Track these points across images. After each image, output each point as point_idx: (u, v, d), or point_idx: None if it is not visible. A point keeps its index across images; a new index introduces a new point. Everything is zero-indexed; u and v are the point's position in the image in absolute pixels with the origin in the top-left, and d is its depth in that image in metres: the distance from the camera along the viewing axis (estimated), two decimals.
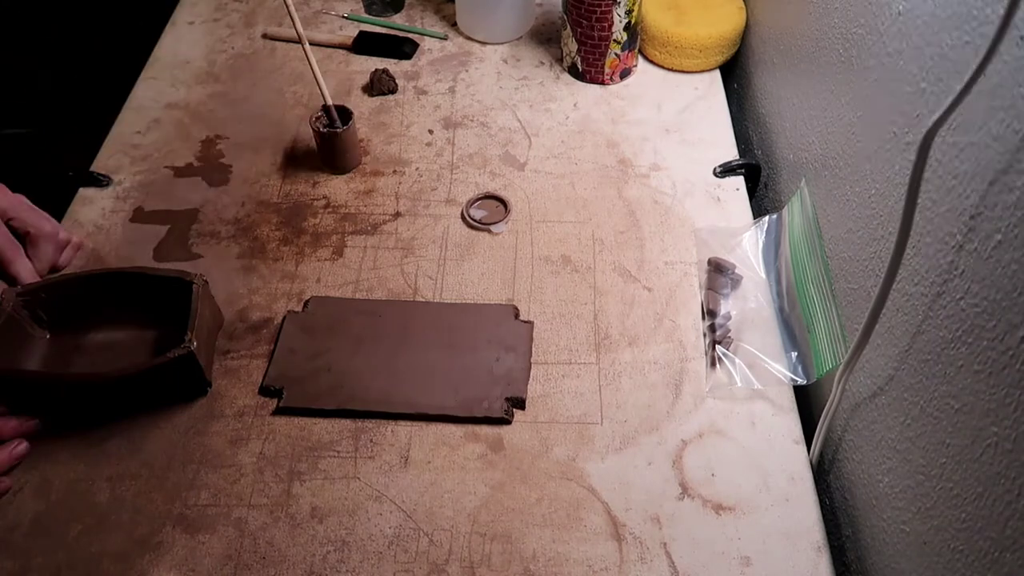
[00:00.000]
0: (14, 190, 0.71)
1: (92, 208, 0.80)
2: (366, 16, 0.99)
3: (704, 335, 0.69)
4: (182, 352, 0.61)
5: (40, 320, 0.67)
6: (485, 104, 0.89)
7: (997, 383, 0.42)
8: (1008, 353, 0.41)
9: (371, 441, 0.63)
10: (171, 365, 0.61)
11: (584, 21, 0.85)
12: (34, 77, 1.06)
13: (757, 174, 0.84)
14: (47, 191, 0.83)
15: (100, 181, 0.81)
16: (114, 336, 0.67)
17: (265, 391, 0.66)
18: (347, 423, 0.64)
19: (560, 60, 0.93)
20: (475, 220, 0.78)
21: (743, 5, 0.90)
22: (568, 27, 0.88)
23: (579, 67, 0.90)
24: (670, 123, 0.86)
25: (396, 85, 0.90)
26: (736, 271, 0.72)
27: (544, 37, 0.97)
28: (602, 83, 0.90)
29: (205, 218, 0.79)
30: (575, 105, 0.89)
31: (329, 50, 0.96)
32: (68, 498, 0.61)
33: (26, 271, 0.69)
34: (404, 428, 0.64)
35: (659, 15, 0.89)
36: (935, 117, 0.44)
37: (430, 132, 0.86)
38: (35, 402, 0.64)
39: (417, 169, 0.83)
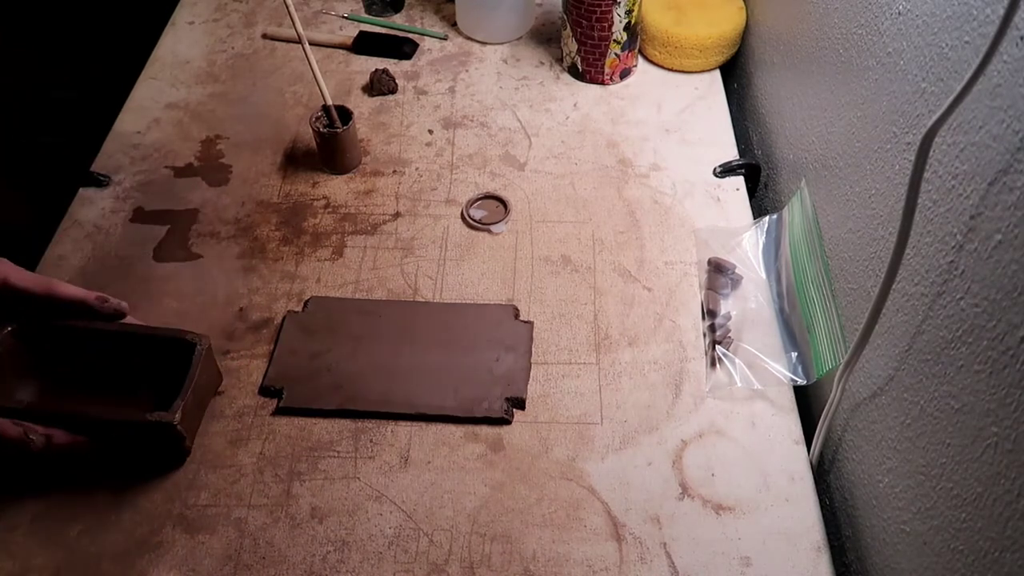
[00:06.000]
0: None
1: (92, 208, 0.79)
2: (366, 16, 0.99)
3: (704, 335, 0.69)
4: (162, 419, 0.58)
5: (35, 359, 0.62)
6: (485, 104, 0.89)
7: (997, 383, 0.42)
8: (1008, 353, 0.41)
9: (371, 441, 0.63)
10: (148, 427, 0.58)
11: (584, 21, 0.85)
12: (33, 78, 1.06)
13: (757, 174, 0.84)
14: (46, 191, 0.83)
15: (100, 181, 0.81)
16: (113, 380, 0.63)
17: (265, 391, 0.66)
18: (347, 423, 0.64)
19: (560, 60, 0.93)
20: (475, 220, 0.78)
21: (743, 5, 0.90)
22: (568, 27, 0.88)
23: (579, 67, 0.90)
24: (670, 123, 0.86)
25: (396, 85, 0.90)
26: (736, 271, 0.72)
27: (544, 37, 0.96)
28: (602, 83, 0.90)
29: (205, 218, 0.79)
30: (575, 105, 0.89)
31: (329, 50, 0.96)
32: (68, 498, 0.61)
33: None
34: (404, 428, 0.64)
35: (659, 15, 0.89)
36: (935, 117, 0.44)
37: (430, 132, 0.86)
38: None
39: (417, 169, 0.83)
